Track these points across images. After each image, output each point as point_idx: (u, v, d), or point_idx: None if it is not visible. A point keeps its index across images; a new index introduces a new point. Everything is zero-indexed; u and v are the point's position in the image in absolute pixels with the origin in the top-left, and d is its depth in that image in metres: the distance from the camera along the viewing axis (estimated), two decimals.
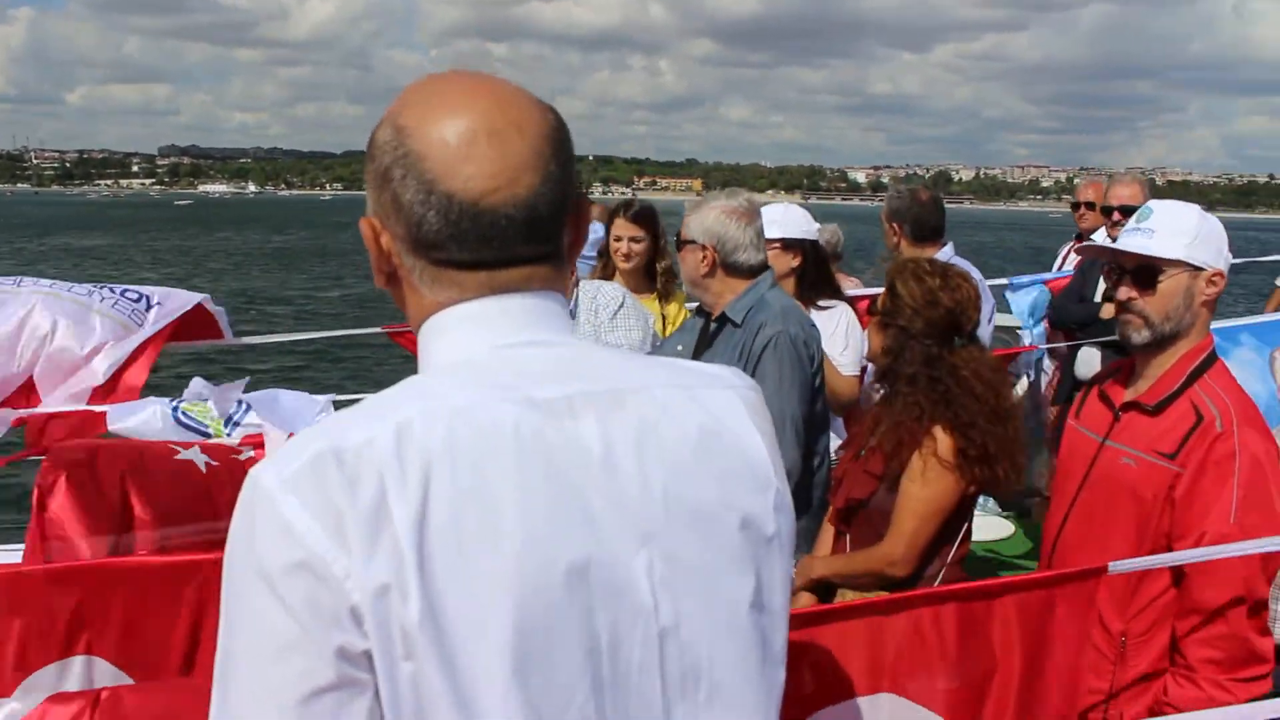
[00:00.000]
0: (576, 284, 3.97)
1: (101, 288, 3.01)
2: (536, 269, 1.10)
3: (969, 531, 2.77)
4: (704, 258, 3.20)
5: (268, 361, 15.38)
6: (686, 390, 1.10)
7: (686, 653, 1.03)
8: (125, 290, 3.04)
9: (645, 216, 4.54)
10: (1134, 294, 2.39)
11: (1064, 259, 6.24)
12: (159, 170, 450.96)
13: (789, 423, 3.03)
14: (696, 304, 3.50)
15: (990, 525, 5.67)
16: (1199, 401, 2.33)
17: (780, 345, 3.06)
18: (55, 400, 2.81)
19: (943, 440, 2.64)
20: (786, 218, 4.09)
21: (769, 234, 3.79)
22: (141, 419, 2.73)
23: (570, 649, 0.97)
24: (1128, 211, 4.54)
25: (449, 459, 0.96)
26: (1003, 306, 5.46)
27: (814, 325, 3.31)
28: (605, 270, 4.68)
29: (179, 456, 2.54)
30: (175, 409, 2.78)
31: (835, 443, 3.56)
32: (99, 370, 2.84)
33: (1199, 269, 2.36)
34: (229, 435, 2.78)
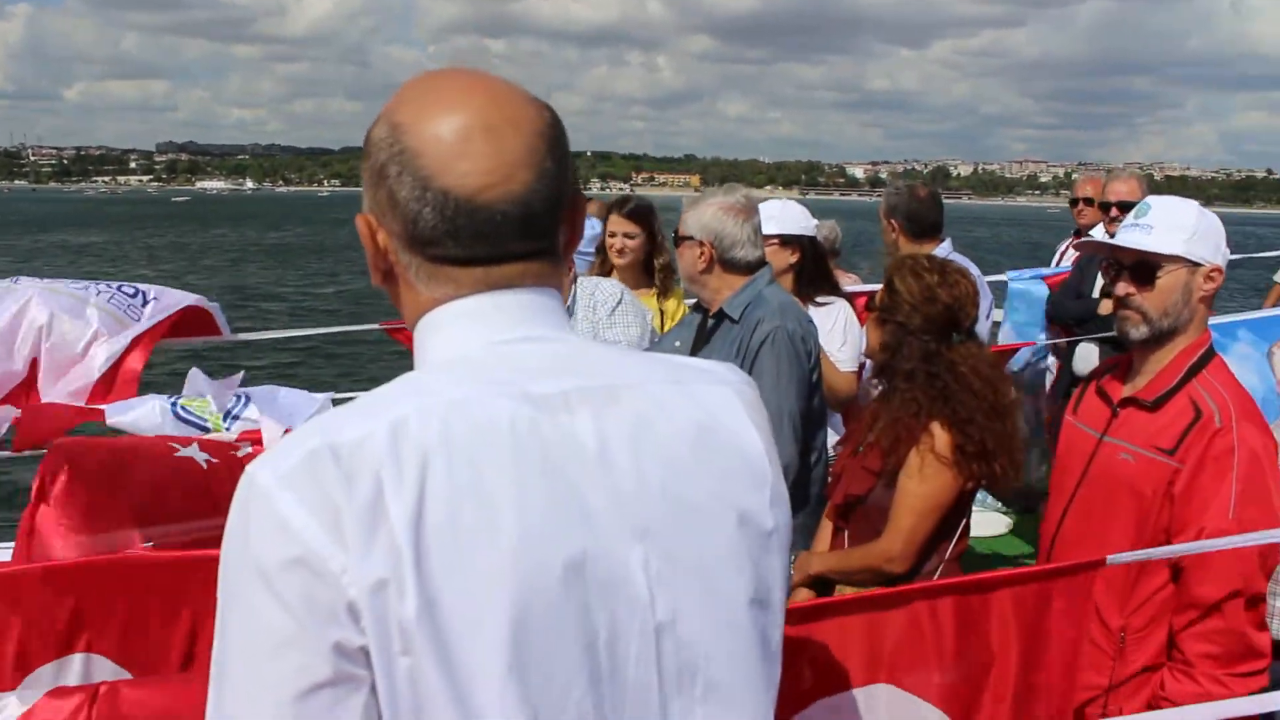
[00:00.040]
0: (574, 280, 3.97)
1: (98, 283, 3.01)
2: (532, 265, 1.10)
3: (967, 527, 2.78)
4: (701, 254, 3.20)
5: (262, 358, 15.38)
6: (682, 386, 1.10)
7: (683, 648, 1.04)
8: (121, 286, 3.03)
9: (639, 213, 4.54)
10: (1132, 290, 2.39)
11: (1062, 255, 6.24)
12: (157, 167, 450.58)
13: (786, 419, 3.03)
14: (695, 300, 3.49)
15: (989, 521, 5.68)
16: (1197, 397, 2.33)
17: (778, 341, 3.06)
18: (54, 396, 2.80)
19: (940, 436, 2.64)
20: (784, 214, 4.09)
21: (767, 230, 3.79)
22: (140, 414, 2.72)
23: (567, 644, 0.97)
24: (1126, 207, 4.54)
25: (445, 454, 0.96)
26: (1002, 304, 5.46)
27: (811, 321, 3.31)
28: (603, 266, 4.68)
29: (179, 454, 2.53)
30: (174, 404, 2.78)
31: (833, 439, 3.56)
32: (96, 363, 2.83)
33: (1197, 265, 2.36)
34: (227, 429, 2.78)
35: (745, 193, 3.32)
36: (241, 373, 2.93)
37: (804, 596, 2.76)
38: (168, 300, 3.07)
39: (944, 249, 4.35)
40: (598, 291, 3.97)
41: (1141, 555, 2.25)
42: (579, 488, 1.00)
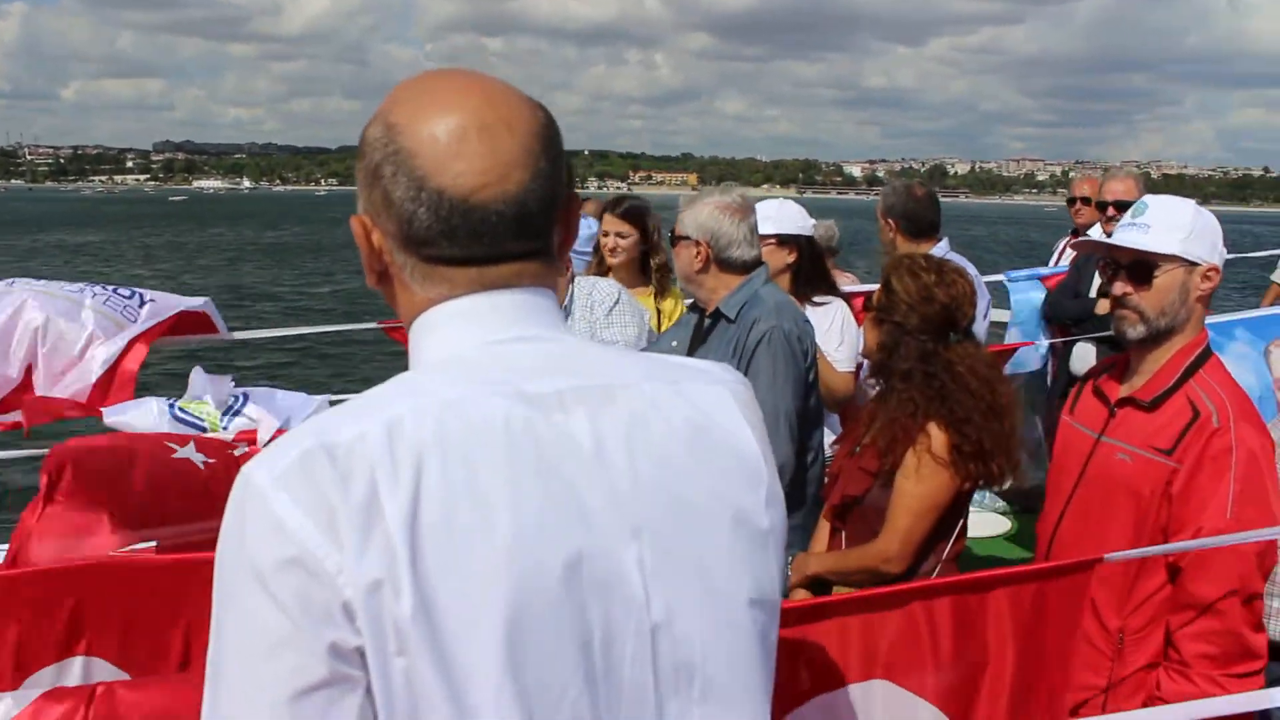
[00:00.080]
0: (572, 280, 3.96)
1: (93, 285, 3.00)
2: (527, 265, 1.10)
3: (964, 528, 2.78)
4: (698, 253, 3.20)
5: (256, 358, 15.37)
6: (677, 385, 1.10)
7: (679, 647, 1.04)
8: (117, 289, 3.03)
9: (631, 213, 4.55)
10: (1129, 289, 2.38)
11: (1060, 254, 6.24)
12: (154, 166, 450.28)
13: (782, 418, 3.03)
14: (692, 299, 3.49)
15: (987, 522, 5.68)
16: (1195, 397, 2.33)
17: (774, 340, 3.06)
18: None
19: (937, 436, 2.64)
20: (781, 213, 4.09)
21: (764, 230, 3.79)
22: (138, 415, 2.72)
23: (563, 643, 0.97)
24: (1122, 206, 4.54)
25: (440, 454, 0.96)
26: (1001, 302, 5.46)
27: (808, 321, 3.31)
28: (600, 266, 4.68)
29: (176, 455, 2.53)
30: (172, 406, 2.78)
31: (830, 438, 3.56)
32: (94, 365, 2.83)
33: (1194, 264, 2.36)
34: (225, 429, 2.78)
35: (741, 192, 3.32)
36: (230, 376, 2.93)
37: (801, 597, 2.76)
38: (165, 304, 3.07)
39: (941, 248, 4.34)
40: (595, 291, 3.97)
41: (1137, 553, 2.25)
42: (574, 487, 1.00)
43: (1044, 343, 5.38)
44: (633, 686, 1.01)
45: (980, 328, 3.87)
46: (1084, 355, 4.82)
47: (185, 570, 2.07)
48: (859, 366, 4.02)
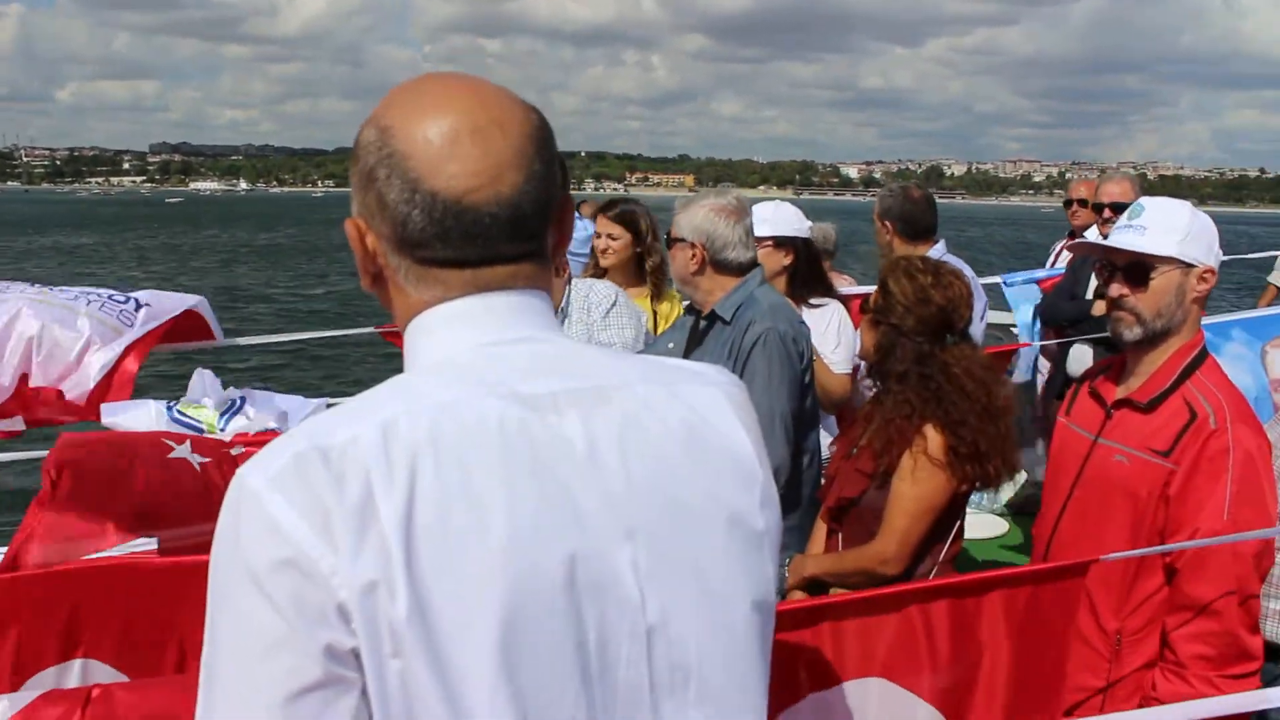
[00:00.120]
0: (569, 282, 3.96)
1: (88, 291, 3.00)
2: (521, 267, 1.10)
3: (961, 530, 2.78)
4: (693, 255, 3.20)
5: (249, 359, 15.34)
6: (671, 387, 1.10)
7: (674, 648, 1.04)
8: (112, 294, 3.02)
9: (622, 215, 4.57)
10: (1126, 291, 2.39)
11: (1056, 256, 6.25)
12: (150, 168, 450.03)
13: (778, 420, 3.03)
14: (689, 301, 3.49)
15: (985, 524, 5.68)
16: (1192, 398, 2.33)
17: (769, 342, 3.05)
18: (49, 406, 2.79)
19: (933, 438, 2.64)
20: (778, 216, 4.10)
21: (761, 232, 3.79)
22: (136, 415, 2.72)
23: (558, 645, 0.97)
24: (1119, 208, 4.54)
25: (434, 455, 0.96)
26: (997, 304, 5.46)
27: (803, 322, 3.31)
28: (598, 268, 4.69)
29: (172, 454, 2.53)
30: (170, 408, 2.77)
31: (827, 440, 3.56)
32: (91, 372, 2.82)
33: (1190, 266, 2.36)
34: (222, 431, 2.78)
35: (737, 194, 3.32)
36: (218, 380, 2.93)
37: (798, 598, 2.76)
38: (161, 307, 3.06)
39: (938, 250, 4.35)
40: (592, 294, 3.97)
41: (1131, 554, 2.25)
42: (569, 488, 1.00)
43: (1036, 344, 5.38)
44: (628, 688, 1.01)
45: (977, 329, 3.87)
46: (1081, 357, 4.82)
47: (184, 573, 2.07)
48: (856, 368, 4.01)
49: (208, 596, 0.97)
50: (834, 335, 4.05)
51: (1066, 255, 5.75)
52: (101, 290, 3.04)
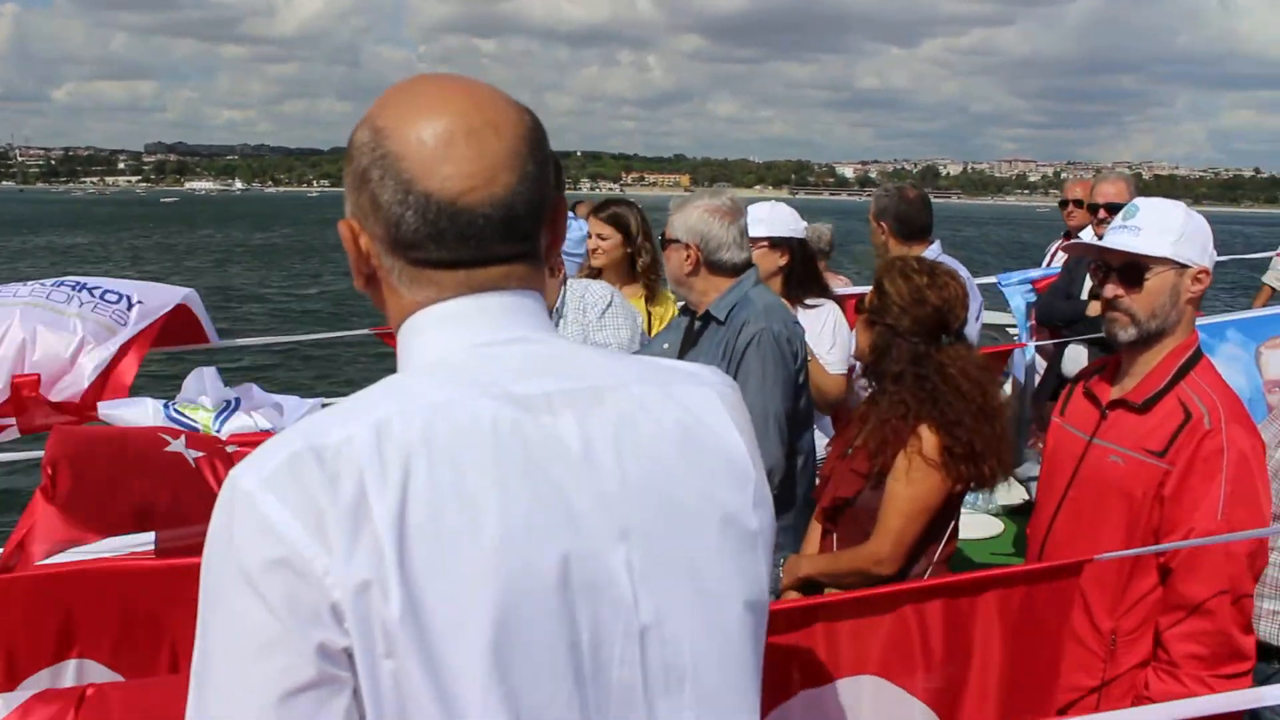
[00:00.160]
0: (564, 282, 3.96)
1: (79, 290, 2.98)
2: (514, 268, 1.10)
3: (956, 530, 2.78)
4: (688, 256, 3.20)
5: (240, 359, 15.31)
6: (664, 387, 1.11)
7: (668, 648, 1.04)
8: (105, 292, 3.01)
9: (612, 216, 4.57)
10: (1120, 292, 2.39)
11: (1052, 256, 6.25)
12: (145, 167, 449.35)
13: (772, 420, 3.03)
14: (684, 302, 3.49)
15: (980, 524, 5.68)
16: (1186, 399, 2.34)
17: (763, 342, 3.06)
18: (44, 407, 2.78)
19: (928, 439, 2.64)
20: (773, 216, 4.10)
21: (756, 232, 3.79)
22: (133, 412, 2.72)
23: (551, 645, 0.97)
24: (1113, 209, 4.54)
25: (427, 456, 0.96)
26: (994, 305, 5.46)
27: (797, 322, 3.32)
28: (593, 268, 4.69)
29: (169, 448, 2.54)
30: (167, 407, 2.77)
31: (823, 441, 3.56)
32: (85, 372, 2.82)
33: (1185, 266, 2.37)
34: (218, 431, 2.77)
35: (731, 194, 3.32)
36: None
37: (793, 598, 2.76)
38: (153, 302, 3.05)
39: (933, 251, 4.34)
40: (588, 294, 3.96)
41: (1125, 554, 2.26)
42: (562, 489, 1.00)
43: (1031, 345, 5.38)
44: (621, 688, 1.02)
45: (972, 330, 3.88)
46: (1076, 357, 4.82)
47: (178, 574, 2.06)
48: (851, 369, 4.01)
49: (199, 596, 0.97)
50: (829, 335, 4.05)
51: (1062, 256, 5.75)
52: (95, 285, 3.03)
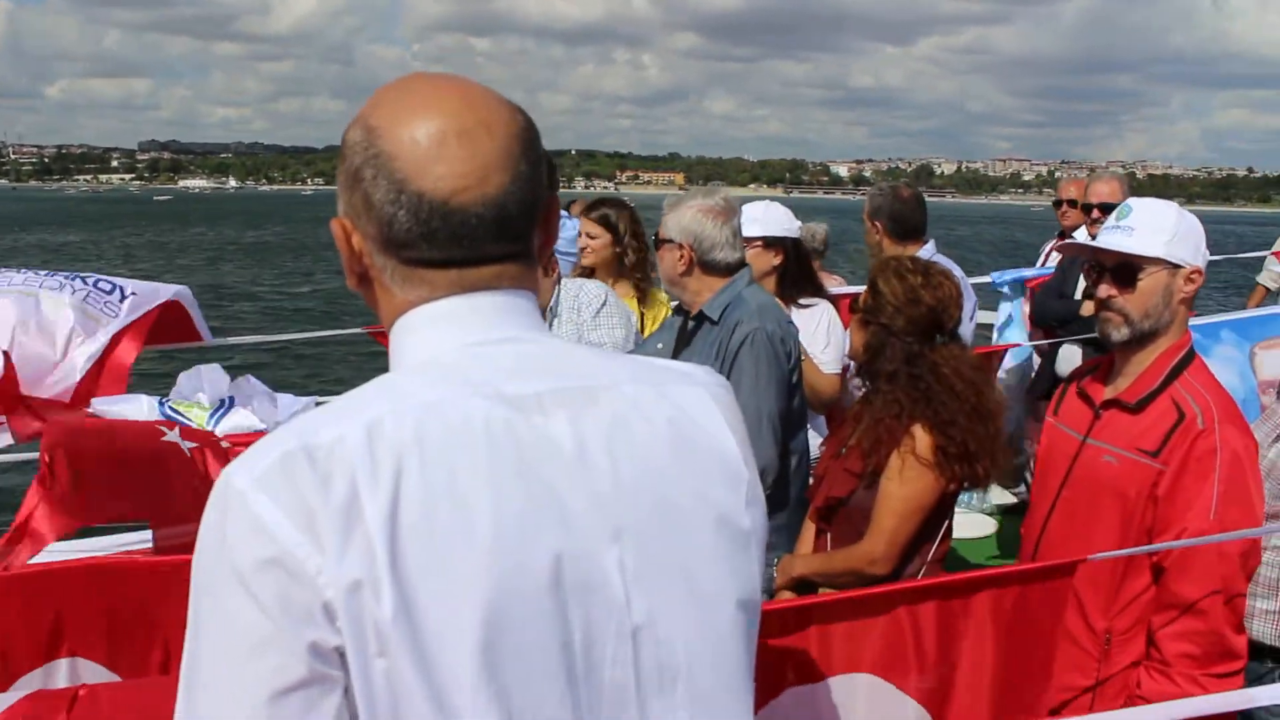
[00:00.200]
0: (558, 282, 3.96)
1: (73, 279, 2.97)
2: (506, 267, 1.10)
3: (949, 529, 2.78)
4: (681, 256, 3.20)
5: (232, 358, 15.29)
6: (657, 387, 1.11)
7: (662, 648, 1.04)
8: (98, 281, 3.00)
9: (601, 217, 4.59)
10: (1114, 292, 2.39)
11: (1046, 256, 6.26)
12: (139, 165, 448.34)
13: (765, 420, 3.03)
14: (678, 302, 3.49)
15: (974, 523, 5.69)
16: (1180, 399, 2.34)
17: (756, 342, 3.06)
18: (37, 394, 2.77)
19: (922, 438, 2.64)
20: (768, 216, 4.10)
21: (750, 232, 3.79)
22: (128, 407, 2.72)
23: (543, 644, 0.97)
24: (1107, 209, 4.55)
25: (419, 455, 0.96)
26: (988, 304, 5.46)
27: (791, 322, 3.31)
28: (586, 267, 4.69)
29: (165, 438, 2.54)
30: (163, 404, 2.77)
31: (816, 440, 3.56)
32: (78, 364, 2.81)
33: (1178, 266, 2.37)
34: (213, 429, 2.77)
35: (724, 194, 3.32)
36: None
37: (787, 598, 2.76)
38: (146, 295, 3.04)
39: (928, 250, 4.35)
40: (582, 293, 3.96)
41: (1117, 554, 2.26)
42: (555, 488, 1.00)
43: (1028, 345, 5.38)
44: (614, 688, 1.02)
45: (966, 329, 3.88)
46: (1069, 357, 4.83)
47: (170, 572, 2.06)
48: (845, 368, 4.02)
49: (190, 595, 0.97)
50: (823, 335, 4.05)
51: (1056, 256, 5.76)
52: (89, 277, 3.02)
